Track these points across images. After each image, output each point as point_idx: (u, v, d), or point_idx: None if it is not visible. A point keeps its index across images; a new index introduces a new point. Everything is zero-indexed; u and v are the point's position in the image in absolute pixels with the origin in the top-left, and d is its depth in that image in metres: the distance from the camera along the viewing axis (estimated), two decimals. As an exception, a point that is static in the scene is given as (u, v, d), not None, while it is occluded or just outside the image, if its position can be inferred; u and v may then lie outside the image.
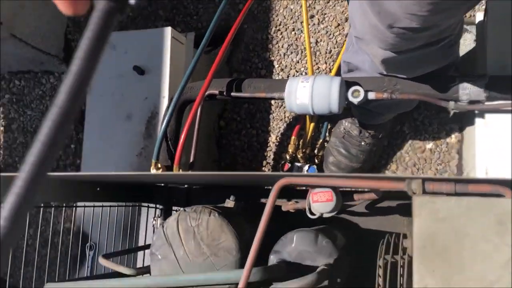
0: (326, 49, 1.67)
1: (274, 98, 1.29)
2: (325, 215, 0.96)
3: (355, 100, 1.20)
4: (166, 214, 1.31)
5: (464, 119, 1.48)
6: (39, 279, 1.22)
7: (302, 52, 1.70)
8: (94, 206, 1.32)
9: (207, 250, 0.95)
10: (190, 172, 1.11)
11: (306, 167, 1.58)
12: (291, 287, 0.79)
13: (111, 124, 1.52)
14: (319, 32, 1.69)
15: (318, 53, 1.68)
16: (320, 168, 1.59)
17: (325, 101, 1.20)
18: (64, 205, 1.32)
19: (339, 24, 1.67)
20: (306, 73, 1.69)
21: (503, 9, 1.24)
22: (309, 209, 0.97)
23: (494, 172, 1.21)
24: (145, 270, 1.00)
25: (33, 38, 1.83)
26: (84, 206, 1.45)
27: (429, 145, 1.53)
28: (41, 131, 0.32)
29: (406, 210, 1.07)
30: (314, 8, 1.71)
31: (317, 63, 1.68)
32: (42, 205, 1.24)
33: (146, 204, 1.39)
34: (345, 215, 1.23)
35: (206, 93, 1.34)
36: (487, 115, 1.20)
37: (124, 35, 1.57)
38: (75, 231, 1.54)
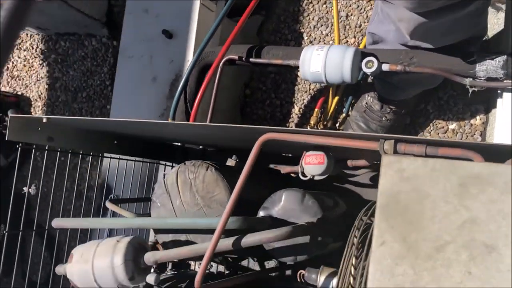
0: (356, 23, 1.66)
1: (289, 65, 1.30)
2: (316, 178, 0.98)
3: (369, 71, 1.19)
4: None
5: (491, 100, 1.43)
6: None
7: (331, 25, 1.69)
8: (119, 159, 1.40)
9: (201, 201, 1.00)
10: (182, 122, 1.14)
11: (324, 140, 1.59)
12: (263, 236, 0.82)
13: (138, 85, 1.59)
14: (350, 6, 1.68)
15: (348, 27, 1.67)
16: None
17: (338, 69, 1.21)
18: (91, 154, 1.40)
19: (372, -3, 1.65)
20: (334, 47, 1.68)
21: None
22: (302, 171, 0.99)
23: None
24: (146, 216, 1.06)
25: (78, 2, 1.92)
26: (110, 158, 1.52)
27: (452, 125, 1.50)
28: None
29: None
30: (348, -19, 1.69)
31: (346, 37, 1.67)
32: (70, 151, 1.33)
33: (164, 162, 1.46)
34: (349, 185, 1.24)
35: (226, 57, 1.38)
36: (505, 94, 1.17)
37: (157, 0, 1.63)
38: (100, 183, 1.63)
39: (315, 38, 1.72)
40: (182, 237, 1.00)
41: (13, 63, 2.34)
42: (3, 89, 2.35)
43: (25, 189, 2.21)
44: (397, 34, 1.21)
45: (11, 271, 1.16)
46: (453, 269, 0.62)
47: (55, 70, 2.20)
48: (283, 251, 0.93)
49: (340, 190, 1.24)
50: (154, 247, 1.08)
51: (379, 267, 0.67)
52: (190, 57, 1.52)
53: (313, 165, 0.97)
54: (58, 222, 0.99)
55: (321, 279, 0.91)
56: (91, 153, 1.40)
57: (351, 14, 1.67)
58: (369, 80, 1.56)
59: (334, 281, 0.88)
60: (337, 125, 1.62)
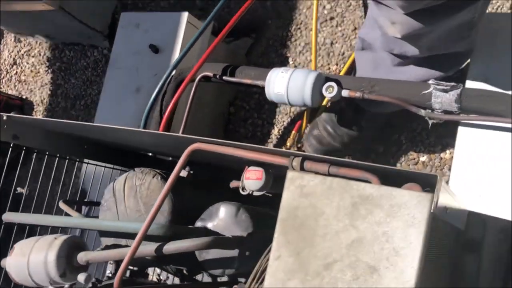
0: (340, 51, 1.69)
1: (257, 85, 1.34)
2: (255, 193, 1.00)
3: (329, 96, 1.22)
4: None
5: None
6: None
7: (316, 51, 1.73)
8: (96, 165, 1.45)
9: (143, 207, 1.03)
10: (120, 127, 1.15)
11: (298, 162, 1.61)
12: (183, 244, 0.84)
13: (123, 95, 1.65)
14: (336, 34, 1.71)
15: (331, 54, 1.70)
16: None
17: (299, 93, 1.23)
18: (67, 157, 1.45)
19: (355, 28, 1.68)
20: (317, 72, 1.71)
21: (497, 22, 1.20)
22: (243, 186, 1.02)
23: (467, 191, 1.17)
24: (94, 218, 1.10)
25: (81, 13, 2.01)
26: (87, 163, 1.57)
27: (423, 157, 1.50)
28: None
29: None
30: (335, 10, 1.73)
31: (328, 64, 1.70)
32: (47, 153, 1.38)
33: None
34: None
35: (202, 74, 1.42)
36: (459, 128, 1.17)
37: (148, 16, 1.70)
38: (76, 187, 1.68)
39: (299, 63, 1.75)
40: (123, 241, 1.03)
41: (21, 68, 2.45)
42: (10, 92, 2.46)
43: (19, 189, 2.30)
44: (383, 40, 1.22)
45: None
46: (337, 288, 0.63)
47: (59, 77, 2.30)
48: (211, 263, 0.95)
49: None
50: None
51: (273, 280, 0.69)
52: (173, 72, 1.58)
53: (252, 180, 0.99)
54: (7, 217, 1.03)
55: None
56: (67, 157, 1.46)
57: (336, 42, 1.70)
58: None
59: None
60: (312, 148, 1.64)
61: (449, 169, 1.44)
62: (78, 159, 1.58)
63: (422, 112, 1.15)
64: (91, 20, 2.07)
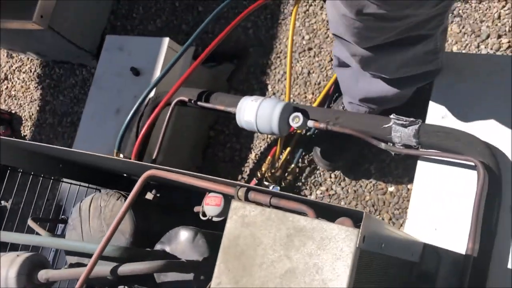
0: (316, 81, 1.74)
1: (230, 112, 1.38)
2: (214, 219, 1.04)
3: (295, 125, 1.27)
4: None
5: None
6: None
7: (294, 80, 1.78)
8: (71, 184, 1.49)
9: (106, 228, 1.06)
10: (81, 151, 1.19)
11: (271, 187, 1.65)
12: (136, 267, 0.87)
13: (103, 115, 1.70)
14: (313, 64, 1.76)
15: (308, 83, 1.75)
16: (284, 190, 1.64)
17: (267, 121, 1.28)
18: (43, 176, 1.49)
19: (332, 59, 1.73)
20: (294, 101, 1.76)
21: (459, 62, 1.25)
22: (203, 211, 1.05)
23: (423, 225, 1.20)
24: (61, 237, 1.13)
25: (70, 33, 2.07)
26: (62, 181, 1.61)
27: (391, 188, 1.54)
28: None
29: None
30: (314, 41, 1.78)
31: (305, 92, 1.75)
32: (21, 171, 1.42)
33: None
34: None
35: (177, 98, 1.47)
36: (418, 162, 1.21)
37: (132, 40, 1.75)
38: (55, 204, 1.71)
39: (278, 91, 1.80)
40: (86, 261, 1.06)
41: (12, 83, 2.50)
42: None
43: (3, 202, 2.32)
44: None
45: None
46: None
47: (48, 94, 2.34)
48: (168, 286, 0.98)
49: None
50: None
51: (213, 306, 0.72)
52: (151, 95, 1.62)
53: (211, 206, 1.03)
54: (-25, 232, 1.06)
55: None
56: (46, 176, 1.49)
57: (313, 72, 1.76)
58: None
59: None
60: (286, 174, 1.68)
61: (415, 200, 1.48)
62: (52, 177, 1.62)
63: (383, 145, 1.20)
64: (80, 40, 2.12)
